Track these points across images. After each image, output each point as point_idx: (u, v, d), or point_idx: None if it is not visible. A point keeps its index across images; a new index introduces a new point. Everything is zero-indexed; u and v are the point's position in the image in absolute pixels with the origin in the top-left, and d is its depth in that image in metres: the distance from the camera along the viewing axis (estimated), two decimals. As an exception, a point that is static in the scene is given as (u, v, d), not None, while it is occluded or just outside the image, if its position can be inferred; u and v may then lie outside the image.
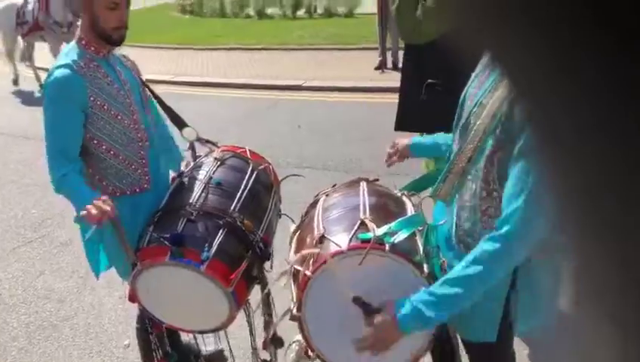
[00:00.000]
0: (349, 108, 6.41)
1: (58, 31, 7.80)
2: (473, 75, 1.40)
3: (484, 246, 1.18)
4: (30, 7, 7.89)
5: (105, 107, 1.80)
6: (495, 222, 1.20)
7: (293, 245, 1.62)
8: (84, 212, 1.59)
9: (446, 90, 2.30)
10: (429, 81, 2.34)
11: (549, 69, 0.21)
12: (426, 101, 2.39)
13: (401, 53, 7.85)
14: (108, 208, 1.59)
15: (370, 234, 1.32)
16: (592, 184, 0.23)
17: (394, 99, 6.44)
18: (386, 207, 1.52)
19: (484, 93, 1.27)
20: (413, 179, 1.79)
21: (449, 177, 1.32)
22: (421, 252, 1.36)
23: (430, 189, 1.52)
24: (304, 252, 1.40)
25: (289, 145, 5.15)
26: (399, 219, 1.37)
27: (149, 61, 9.39)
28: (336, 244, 1.34)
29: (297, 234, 1.67)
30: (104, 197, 1.64)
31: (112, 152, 1.85)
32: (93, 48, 1.81)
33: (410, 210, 1.51)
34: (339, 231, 1.39)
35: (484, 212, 1.27)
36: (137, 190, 1.93)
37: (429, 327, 1.29)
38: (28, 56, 8.65)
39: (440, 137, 1.73)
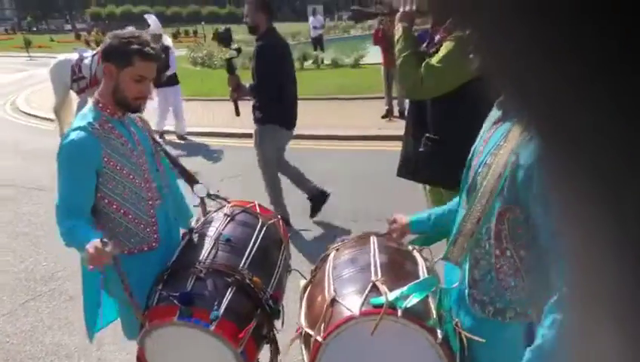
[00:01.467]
0: (356, 156, 6.48)
1: None
2: (480, 133, 1.41)
3: (550, 320, 1.11)
4: (87, 61, 7.52)
5: (118, 167, 1.85)
6: (512, 281, 1.20)
7: (304, 304, 1.60)
8: (86, 255, 1.59)
9: (442, 146, 2.35)
10: (427, 135, 2.39)
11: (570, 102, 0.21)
12: (423, 153, 2.43)
13: (407, 102, 8.03)
14: (107, 249, 1.57)
15: (382, 299, 1.30)
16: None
17: (400, 147, 6.56)
18: (397, 266, 1.51)
19: (488, 152, 1.28)
20: (422, 233, 1.79)
21: (459, 239, 1.32)
22: (434, 315, 1.33)
23: (440, 244, 1.51)
24: (315, 316, 1.39)
25: (297, 195, 5.18)
26: (412, 283, 1.35)
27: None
28: (347, 309, 1.33)
29: (307, 291, 1.66)
30: (101, 241, 1.61)
31: (122, 211, 1.89)
32: (108, 110, 1.88)
33: (422, 268, 1.50)
34: (350, 294, 1.38)
35: (499, 270, 1.26)
36: (146, 249, 1.95)
37: None
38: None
39: (437, 211, 1.75)
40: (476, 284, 1.32)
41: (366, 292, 1.34)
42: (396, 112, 8.00)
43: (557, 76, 0.21)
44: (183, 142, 7.64)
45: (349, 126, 7.41)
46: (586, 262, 0.27)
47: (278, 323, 1.84)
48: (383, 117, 7.89)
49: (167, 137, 7.64)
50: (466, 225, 1.29)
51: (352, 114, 8.38)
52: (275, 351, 1.82)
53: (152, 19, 7.54)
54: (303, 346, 1.44)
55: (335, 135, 7.27)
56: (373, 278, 1.38)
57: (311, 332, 1.38)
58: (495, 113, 1.35)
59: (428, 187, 2.70)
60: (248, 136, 7.77)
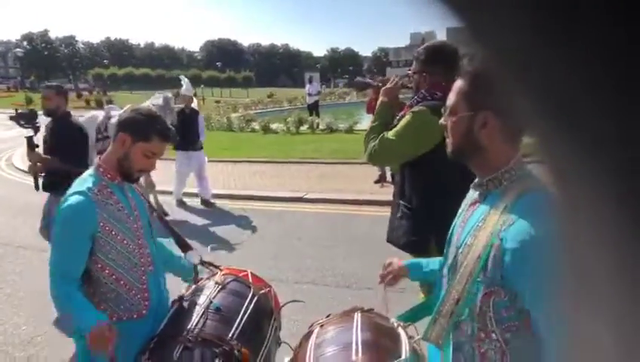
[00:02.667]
0: (349, 221, 6.50)
1: None
2: (459, 211, 1.42)
3: None
4: (114, 120, 7.34)
5: (113, 232, 1.86)
6: None
7: None
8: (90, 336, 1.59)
9: (411, 213, 2.41)
10: (401, 202, 2.46)
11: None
12: (397, 220, 2.49)
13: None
14: (110, 337, 1.59)
15: None
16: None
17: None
18: (379, 345, 1.49)
19: (469, 232, 1.27)
20: (411, 307, 1.77)
21: (438, 320, 1.29)
22: None
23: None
24: None
25: (290, 259, 5.14)
26: None
27: (156, 173, 9.72)
28: None
29: None
30: (106, 324, 1.63)
31: (114, 277, 1.87)
32: (109, 176, 1.92)
33: (404, 345, 1.48)
34: None
35: (484, 354, 1.23)
36: (135, 316, 1.92)
37: None
38: None
39: (434, 260, 1.74)
40: None
41: None
42: (389, 177, 8.11)
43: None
44: (205, 207, 7.44)
45: (343, 190, 7.49)
46: (586, 264, 0.27)
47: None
48: (375, 182, 8.00)
49: (189, 202, 7.56)
50: (445, 306, 1.27)
51: (346, 178, 8.49)
52: None
53: (185, 81, 7.58)
54: None
55: (328, 198, 7.32)
56: (353, 358, 1.36)
57: None
58: (472, 194, 1.37)
59: None
60: (239, 197, 7.86)
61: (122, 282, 1.88)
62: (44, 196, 4.41)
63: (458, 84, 1.29)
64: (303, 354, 1.56)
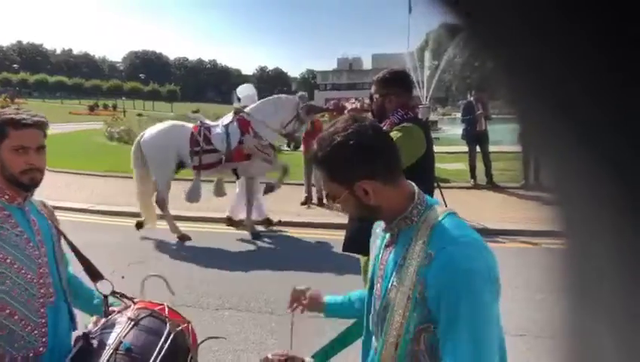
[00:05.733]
0: (275, 242, 6.40)
1: (272, 157, 6.10)
2: (373, 254, 1.42)
3: None
4: (220, 130, 6.10)
5: (8, 260, 1.64)
6: None
7: None
8: None
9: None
10: None
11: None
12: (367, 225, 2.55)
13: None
14: None
15: None
16: None
17: (319, 234, 6.59)
18: None
19: (391, 273, 1.26)
20: (324, 345, 1.70)
21: None
22: None
23: None
24: None
25: (211, 283, 4.93)
26: None
27: (72, 187, 9.08)
28: None
29: None
30: None
31: (7, 311, 1.65)
32: (7, 196, 1.70)
33: None
34: None
35: None
36: (31, 354, 1.69)
37: None
38: (217, 192, 6.48)
39: (354, 295, 1.72)
40: None
41: None
42: (315, 199, 8.13)
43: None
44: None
45: (269, 211, 7.37)
46: (586, 264, 0.27)
47: None
48: (302, 203, 7.98)
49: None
50: (385, 355, 1.24)
51: (273, 199, 8.39)
52: None
53: (243, 90, 6.88)
54: None
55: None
56: None
57: None
58: (382, 235, 1.37)
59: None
60: (159, 217, 7.51)
61: (17, 317, 1.66)
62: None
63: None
64: None
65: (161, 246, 6.20)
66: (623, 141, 0.22)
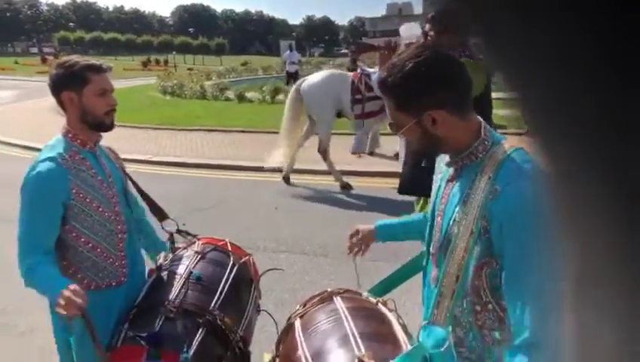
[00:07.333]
0: (327, 190, 6.51)
1: None
2: (434, 188, 1.41)
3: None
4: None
5: (87, 199, 1.79)
6: (497, 334, 1.19)
7: None
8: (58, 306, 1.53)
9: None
10: None
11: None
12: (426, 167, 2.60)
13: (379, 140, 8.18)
14: (79, 300, 1.53)
15: None
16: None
17: (371, 183, 6.63)
18: (375, 332, 1.44)
19: (454, 208, 1.26)
20: (382, 279, 1.75)
21: (441, 301, 1.26)
22: None
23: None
24: None
25: (267, 228, 5.13)
26: (401, 355, 1.27)
27: (129, 140, 9.49)
28: None
29: None
30: (73, 287, 1.56)
31: (90, 244, 1.82)
32: (79, 141, 1.83)
33: (397, 329, 1.45)
34: None
35: (482, 326, 1.25)
36: (114, 283, 1.87)
37: None
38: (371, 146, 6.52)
39: (404, 219, 1.75)
40: (461, 343, 1.30)
41: None
42: (366, 149, 8.11)
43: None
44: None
45: (320, 160, 7.45)
46: (585, 263, 0.27)
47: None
48: (352, 153, 7.98)
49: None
50: (445, 286, 1.26)
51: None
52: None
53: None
54: None
55: (306, 169, 7.28)
56: (357, 353, 1.31)
57: None
58: (445, 170, 1.36)
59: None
60: (212, 166, 7.77)
61: (99, 250, 1.83)
62: (19, 165, 4.24)
63: (387, 102, 1.28)
64: (292, 353, 1.46)
65: (220, 194, 6.46)
66: (616, 136, 0.21)
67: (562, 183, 0.26)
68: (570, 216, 0.26)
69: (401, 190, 2.89)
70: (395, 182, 3.38)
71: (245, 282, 1.94)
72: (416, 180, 2.60)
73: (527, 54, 0.23)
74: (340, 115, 6.15)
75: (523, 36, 0.23)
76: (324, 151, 6.22)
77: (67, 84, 1.78)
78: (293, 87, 6.30)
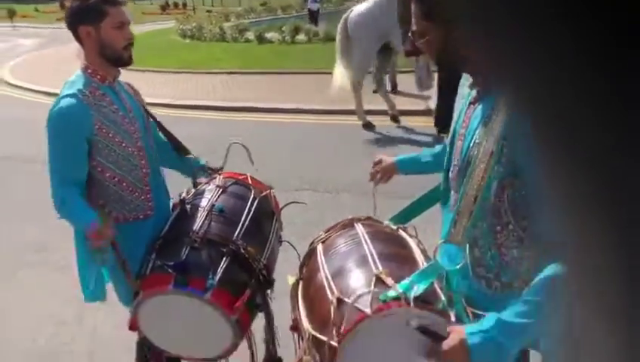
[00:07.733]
0: (350, 130, 6.46)
1: None
2: (456, 113, 1.40)
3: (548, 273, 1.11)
4: None
5: (110, 135, 1.82)
6: (515, 252, 1.21)
7: (301, 305, 1.51)
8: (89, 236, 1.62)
9: None
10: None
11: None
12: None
13: (399, 77, 7.99)
14: (108, 231, 1.60)
15: (390, 293, 1.26)
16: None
17: (392, 121, 6.55)
18: (394, 254, 1.47)
19: (475, 131, 1.26)
20: (403, 208, 1.76)
21: (458, 220, 1.28)
22: (443, 298, 1.29)
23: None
24: (322, 318, 1.35)
25: (290, 168, 5.17)
26: (417, 272, 1.30)
27: (149, 84, 9.50)
28: (358, 309, 1.26)
29: (301, 290, 1.57)
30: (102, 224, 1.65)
31: (116, 179, 1.86)
32: (99, 77, 1.84)
33: (416, 251, 1.48)
34: (355, 292, 1.31)
35: (501, 246, 1.27)
36: (141, 216, 1.93)
37: (501, 354, 1.18)
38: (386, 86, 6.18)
39: (426, 152, 1.76)
40: (478, 262, 1.32)
41: (372, 287, 1.29)
42: (388, 87, 7.94)
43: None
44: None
45: (342, 100, 7.33)
46: (583, 261, 0.27)
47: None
48: (374, 91, 7.84)
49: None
50: (463, 206, 1.27)
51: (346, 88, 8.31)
52: (270, 320, 1.84)
53: None
54: (313, 349, 1.37)
55: (327, 109, 7.21)
56: (375, 271, 1.34)
57: (322, 337, 1.32)
58: (468, 93, 1.34)
59: None
60: (234, 109, 7.75)
61: (125, 184, 1.88)
62: (41, 110, 4.32)
63: (414, 9, 1.26)
64: (314, 275, 1.50)
65: (242, 135, 6.50)
66: (609, 140, 0.21)
67: (562, 184, 0.26)
68: (570, 216, 0.26)
69: (438, 123, 2.83)
70: (420, 121, 3.34)
71: (267, 214, 1.99)
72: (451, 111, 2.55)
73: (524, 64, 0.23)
74: (386, 47, 5.76)
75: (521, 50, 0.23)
76: (356, 83, 5.87)
77: (84, 18, 1.76)
78: (342, 19, 6.00)
